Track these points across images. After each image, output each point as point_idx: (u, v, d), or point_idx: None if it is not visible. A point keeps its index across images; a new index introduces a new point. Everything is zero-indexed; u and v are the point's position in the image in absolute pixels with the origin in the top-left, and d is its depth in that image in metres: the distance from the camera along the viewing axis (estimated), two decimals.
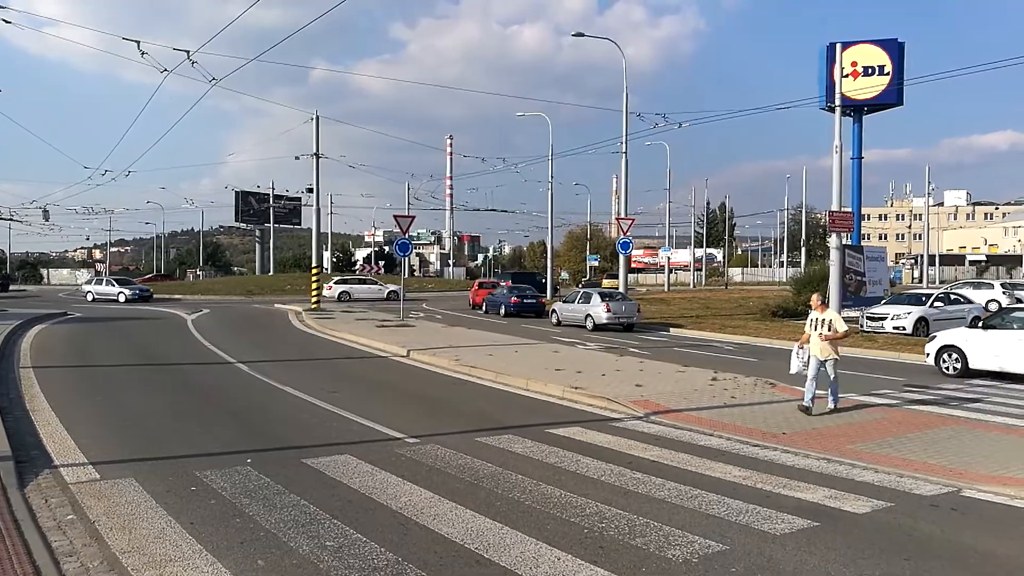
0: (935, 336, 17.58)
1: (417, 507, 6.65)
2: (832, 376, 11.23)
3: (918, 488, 7.51)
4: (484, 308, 37.23)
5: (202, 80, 20.68)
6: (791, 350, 11.73)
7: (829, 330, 11.14)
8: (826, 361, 11.14)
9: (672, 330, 27.73)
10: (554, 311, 31.10)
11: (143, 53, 19.00)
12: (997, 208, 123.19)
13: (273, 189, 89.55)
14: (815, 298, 11.60)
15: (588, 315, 28.03)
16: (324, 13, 16.22)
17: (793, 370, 11.43)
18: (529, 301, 34.80)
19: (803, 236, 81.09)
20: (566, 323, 29.44)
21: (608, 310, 27.23)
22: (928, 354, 17.04)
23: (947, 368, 16.51)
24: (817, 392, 11.20)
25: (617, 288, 23.07)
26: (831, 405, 11.27)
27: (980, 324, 17.26)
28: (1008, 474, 7.81)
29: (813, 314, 11.41)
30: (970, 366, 16.10)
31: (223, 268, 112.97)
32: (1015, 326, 15.75)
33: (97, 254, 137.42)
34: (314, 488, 7.21)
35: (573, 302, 30.01)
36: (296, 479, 7.50)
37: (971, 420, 11.06)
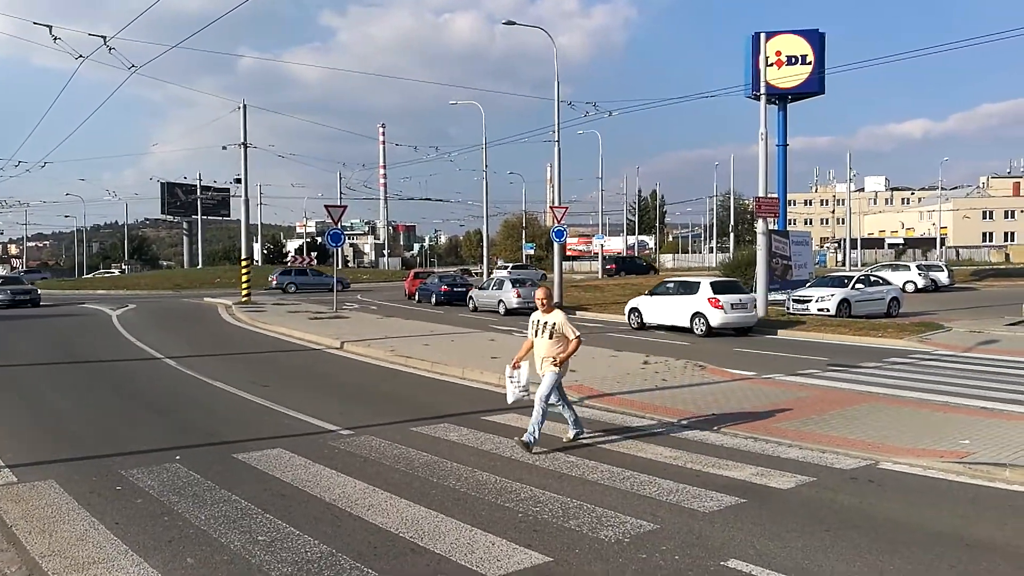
0: (630, 302, 24.32)
1: (351, 498, 6.61)
2: (546, 395, 8.33)
3: (839, 463, 7.81)
4: (417, 298, 37.82)
5: (120, 67, 19.97)
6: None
7: (551, 337, 8.38)
8: (546, 374, 8.39)
9: (578, 312, 28.91)
10: (471, 298, 32.59)
11: (56, 38, 18.22)
12: (913, 193, 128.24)
13: (201, 180, 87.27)
14: (540, 295, 8.65)
15: (500, 300, 29.92)
16: (245, 0, 15.78)
17: (511, 399, 8.62)
18: (459, 289, 35.79)
19: (731, 222, 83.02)
20: (482, 309, 31.10)
21: (518, 296, 29.11)
22: (625, 313, 23.90)
23: (633, 323, 23.40)
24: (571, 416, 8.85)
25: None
26: (571, 433, 8.67)
27: (648, 292, 23.93)
28: (921, 446, 8.19)
29: (536, 315, 8.65)
30: (644, 321, 23.03)
31: (149, 262, 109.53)
32: (663, 293, 22.99)
33: (13, 249, 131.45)
34: (246, 483, 7.09)
35: (488, 289, 31.79)
36: (227, 475, 7.36)
37: (887, 396, 11.54)
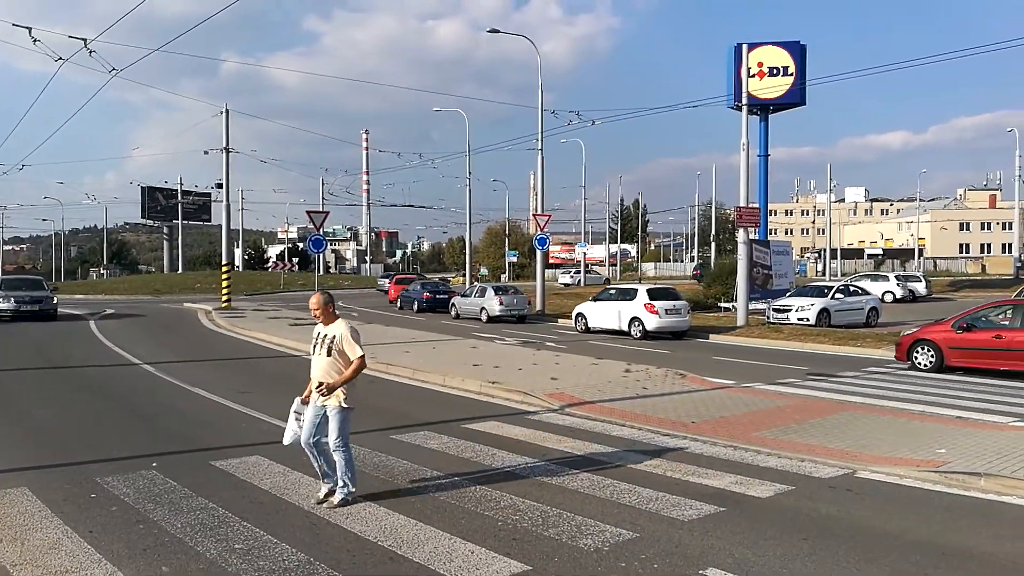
0: (577, 307, 25.95)
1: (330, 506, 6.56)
2: (337, 438, 6.57)
3: (817, 471, 7.86)
4: (399, 304, 37.75)
5: (102, 70, 19.81)
6: (702, 340, 11.99)
7: (329, 355, 6.63)
8: (327, 409, 6.63)
9: (560, 321, 28.96)
10: (453, 305, 32.75)
11: (35, 40, 18.05)
12: (892, 204, 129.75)
13: (182, 184, 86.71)
14: (314, 302, 6.85)
15: (483, 308, 29.96)
16: (233, 2, 15.74)
17: (287, 439, 6.84)
18: (441, 296, 35.85)
19: (713, 231, 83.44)
20: (464, 316, 31.16)
21: (501, 303, 29.36)
22: (572, 318, 25.56)
23: (579, 328, 25.05)
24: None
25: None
26: (323, 490, 6.73)
27: (593, 299, 25.63)
28: (898, 455, 8.26)
29: (317, 328, 6.92)
30: (589, 326, 24.61)
31: (129, 267, 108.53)
32: (606, 299, 24.58)
33: None
34: (223, 490, 7.02)
35: (470, 296, 31.81)
36: (204, 482, 7.29)
37: (865, 405, 11.64)
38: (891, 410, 11.26)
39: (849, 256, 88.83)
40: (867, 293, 29.06)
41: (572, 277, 68.60)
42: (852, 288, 28.84)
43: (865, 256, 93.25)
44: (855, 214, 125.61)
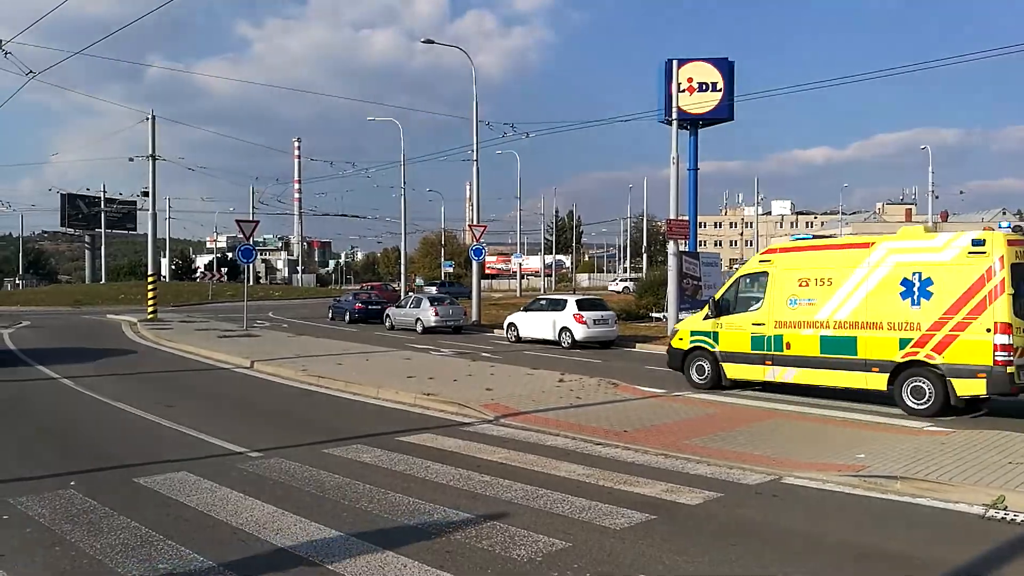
0: (508, 317, 26.58)
1: (260, 522, 6.42)
2: None
3: (745, 478, 8.05)
4: (331, 315, 37.28)
5: (17, 73, 19.06)
6: (628, 349, 12.00)
7: None
8: None
9: (496, 331, 29.01)
10: (388, 316, 32.41)
11: None
12: (816, 217, 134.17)
13: (105, 192, 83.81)
14: None
15: (418, 319, 29.76)
16: (159, 7, 15.30)
17: None
18: (374, 307, 35.48)
19: (645, 243, 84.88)
20: (399, 327, 30.93)
21: (436, 314, 29.24)
22: (504, 328, 26.14)
23: (510, 337, 25.61)
24: None
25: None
26: None
27: (523, 308, 26.29)
28: (821, 461, 8.53)
29: None
30: (521, 335, 25.30)
31: (47, 276, 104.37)
32: (537, 309, 25.17)
33: None
34: (147, 508, 6.80)
35: (405, 307, 31.52)
36: (127, 500, 7.04)
37: (792, 412, 11.98)
38: (817, 417, 11.63)
39: None
40: None
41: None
42: None
43: None
44: (781, 226, 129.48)
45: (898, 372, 11.99)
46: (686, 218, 33.90)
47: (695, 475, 8.16)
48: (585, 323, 23.05)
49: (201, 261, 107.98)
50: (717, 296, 15.00)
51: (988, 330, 11.11)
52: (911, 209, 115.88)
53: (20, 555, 5.65)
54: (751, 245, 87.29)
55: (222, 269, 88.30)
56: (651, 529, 6.35)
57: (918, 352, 11.77)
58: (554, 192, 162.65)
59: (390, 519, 6.57)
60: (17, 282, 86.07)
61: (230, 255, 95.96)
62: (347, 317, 35.42)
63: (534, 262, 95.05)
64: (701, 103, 37.26)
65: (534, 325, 24.87)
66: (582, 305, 23.73)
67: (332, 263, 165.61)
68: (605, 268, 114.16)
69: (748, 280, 14.63)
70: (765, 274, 13.97)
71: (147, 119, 34.79)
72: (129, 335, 27.38)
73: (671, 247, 25.88)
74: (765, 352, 13.66)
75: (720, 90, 37.73)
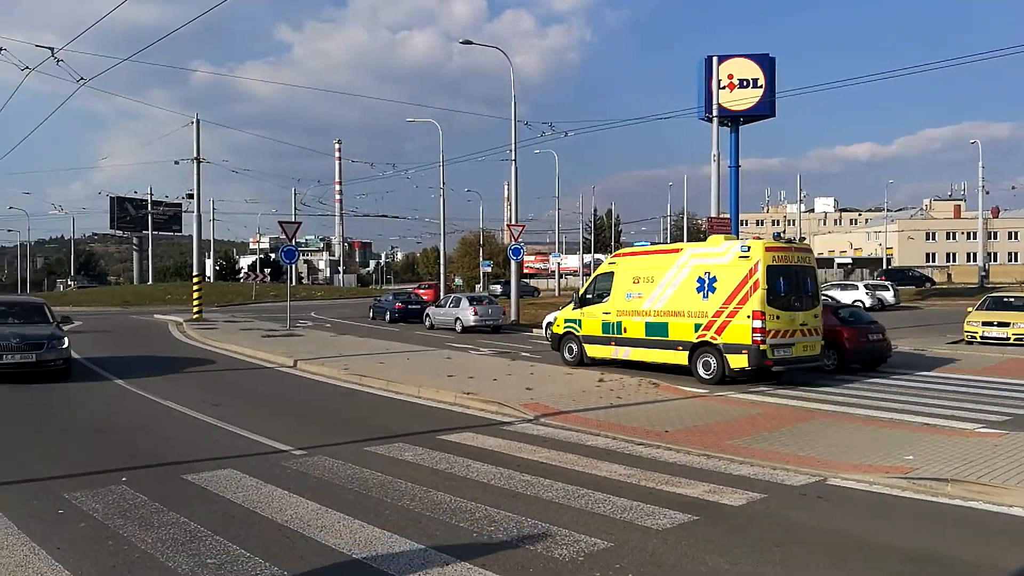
0: (547, 317, 26.18)
1: (304, 519, 6.51)
2: None
3: (789, 479, 7.95)
4: (372, 315, 37.72)
5: (69, 79, 19.58)
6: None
7: None
8: None
9: (535, 331, 28.86)
10: (427, 315, 32.74)
11: (1, 49, 17.80)
12: (860, 214, 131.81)
13: (151, 195, 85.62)
14: None
15: (457, 318, 29.92)
16: (204, 13, 15.67)
17: None
18: (413, 307, 36.02)
19: (685, 241, 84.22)
20: (438, 326, 31.16)
21: (476, 314, 29.37)
22: (543, 327, 25.90)
23: (549, 336, 22.29)
24: None
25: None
26: None
27: (562, 308, 22.67)
28: (868, 462, 8.38)
29: None
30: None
31: (97, 278, 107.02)
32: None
33: None
34: (195, 504, 6.94)
35: (445, 307, 31.73)
36: (175, 496, 7.20)
37: (836, 413, 11.79)
38: (861, 418, 11.43)
39: (819, 265, 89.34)
40: (836, 301, 29.41)
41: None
42: (822, 297, 29.17)
43: (835, 265, 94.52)
44: (824, 224, 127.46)
45: (694, 350, 15.33)
46: (728, 216, 33.61)
47: (738, 476, 8.08)
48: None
49: (245, 262, 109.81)
50: (581, 291, 18.90)
51: (748, 316, 14.39)
52: (960, 205, 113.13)
53: (76, 549, 5.81)
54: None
55: (265, 270, 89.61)
56: (694, 530, 6.30)
57: (706, 335, 15.14)
58: (592, 191, 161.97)
59: (432, 517, 6.61)
60: (69, 283, 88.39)
61: (273, 256, 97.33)
62: (387, 316, 36.01)
63: (573, 261, 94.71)
64: (742, 100, 36.80)
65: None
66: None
67: (372, 263, 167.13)
68: None
69: (601, 279, 18.20)
70: (611, 274, 17.66)
71: (192, 123, 35.49)
72: (176, 335, 27.95)
73: None
74: (611, 335, 17.33)
75: (761, 86, 37.23)
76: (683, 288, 15.74)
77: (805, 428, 10.42)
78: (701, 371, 15.11)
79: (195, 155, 35.26)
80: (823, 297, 29.32)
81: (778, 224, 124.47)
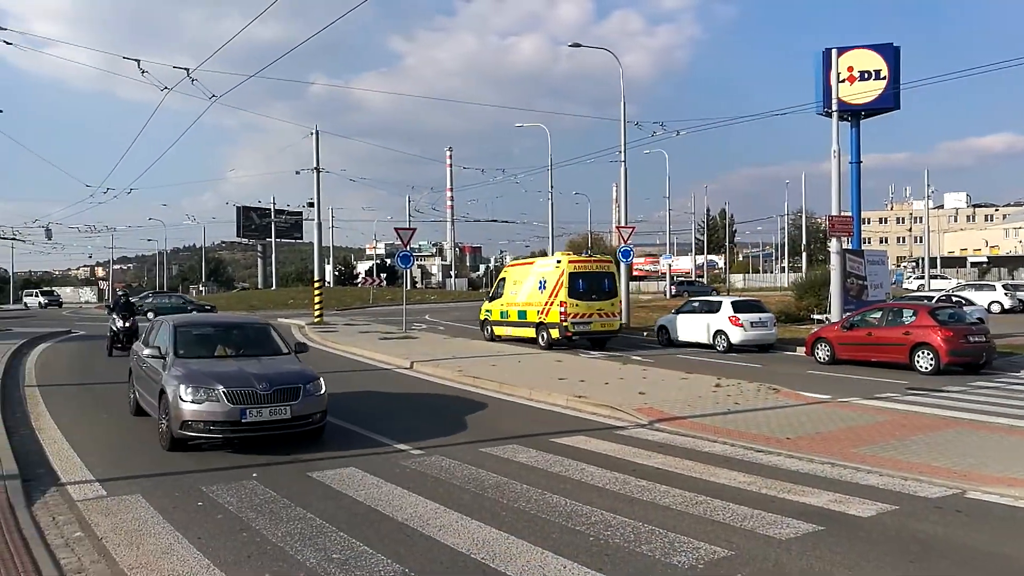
0: (659, 320, 26.14)
1: (423, 518, 6.67)
2: None
3: (923, 490, 7.52)
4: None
5: (201, 97, 20.85)
6: (790, 353, 11.64)
7: None
8: None
9: (646, 334, 28.15)
10: None
11: (143, 71, 19.13)
12: (997, 210, 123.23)
13: (274, 204, 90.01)
14: None
15: None
16: (322, 29, 16.33)
17: None
18: None
19: (804, 241, 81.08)
20: None
21: None
22: (655, 331, 25.72)
23: (661, 340, 24.87)
24: None
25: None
26: None
27: (675, 311, 25.53)
28: (1012, 475, 7.82)
29: None
30: (672, 338, 24.43)
31: (225, 283, 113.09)
32: (689, 312, 24.40)
33: (100, 272, 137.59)
34: (320, 501, 7.23)
35: None
36: (302, 492, 7.53)
37: (974, 422, 11.06)
38: (1003, 427, 10.67)
39: (950, 265, 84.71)
40: (971, 303, 27.66)
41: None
42: (955, 299, 27.50)
43: (968, 265, 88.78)
44: (955, 221, 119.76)
45: (538, 327, 23.47)
46: (849, 214, 32.11)
47: (866, 485, 7.71)
48: (741, 325, 22.14)
49: (362, 267, 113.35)
50: (491, 290, 27.98)
51: (558, 305, 22.37)
52: None
53: (214, 539, 6.16)
54: (920, 242, 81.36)
55: (382, 274, 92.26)
56: (820, 541, 6.05)
57: (542, 318, 23.24)
58: (705, 190, 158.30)
59: (548, 520, 6.63)
60: (201, 289, 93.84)
61: (389, 261, 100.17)
62: None
63: (684, 263, 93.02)
64: (863, 93, 35.15)
65: (686, 328, 24.15)
66: (738, 307, 22.85)
67: (482, 267, 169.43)
68: (761, 268, 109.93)
69: (499, 283, 27.14)
70: (504, 279, 26.70)
71: (311, 134, 37.07)
72: (299, 338, 29.17)
73: (833, 245, 24.62)
74: (504, 320, 25.64)
75: (884, 78, 35.45)
76: (532, 288, 24.07)
77: (940, 437, 9.83)
78: (540, 341, 23.28)
79: (315, 165, 36.81)
80: (956, 297, 27.67)
81: (903, 222, 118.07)
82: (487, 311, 26.73)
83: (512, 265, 27.71)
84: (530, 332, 23.71)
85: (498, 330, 25.91)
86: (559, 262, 23.31)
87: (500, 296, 26.06)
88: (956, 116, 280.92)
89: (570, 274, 22.48)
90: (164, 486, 7.79)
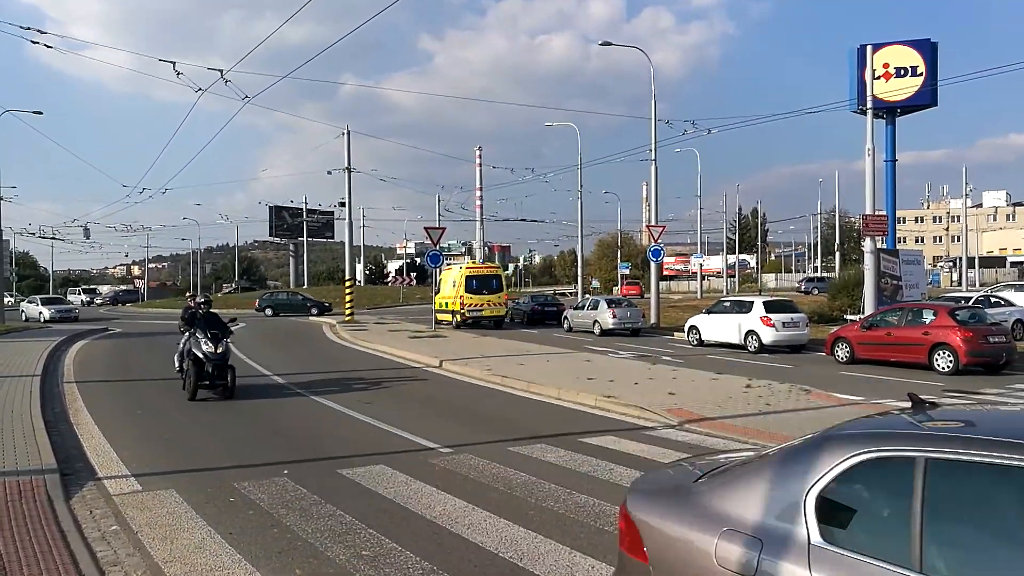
0: (689, 320, 25.89)
1: (451, 516, 6.70)
2: None
3: None
4: (510, 317, 38.44)
5: (234, 98, 21.24)
6: (822, 354, 11.50)
7: None
8: None
9: (676, 334, 27.92)
10: (566, 317, 32.84)
11: (179, 73, 19.42)
12: None
13: (306, 203, 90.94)
14: None
15: (596, 320, 29.70)
16: (353, 30, 16.50)
17: None
18: (549, 309, 37.23)
19: (837, 240, 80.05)
20: (576, 329, 31.12)
21: (614, 316, 29.12)
22: (685, 331, 25.64)
23: (692, 341, 24.84)
24: None
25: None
26: None
27: (706, 311, 25.21)
28: None
29: None
30: (703, 338, 24.38)
31: (258, 282, 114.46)
32: (720, 312, 24.20)
33: (136, 270, 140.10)
34: (350, 498, 7.30)
35: (583, 309, 31.67)
36: (332, 489, 7.60)
37: None
38: None
39: (989, 265, 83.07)
40: (1010, 304, 27.07)
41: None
42: (993, 299, 26.94)
43: (1008, 264, 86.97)
44: (995, 220, 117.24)
45: (453, 315, 32.78)
46: (884, 213, 31.57)
47: None
48: (773, 326, 21.92)
49: (392, 266, 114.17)
50: (440, 286, 34.68)
51: (459, 297, 32.58)
52: None
53: (246, 534, 6.25)
54: (957, 241, 79.79)
55: (411, 273, 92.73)
56: None
57: (454, 308, 32.72)
58: (736, 189, 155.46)
59: (576, 520, 6.62)
60: (233, 286, 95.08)
61: (419, 260, 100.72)
62: (524, 319, 36.93)
63: (715, 262, 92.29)
64: (899, 90, 34.65)
65: (717, 328, 24.02)
66: (770, 307, 22.59)
67: (511, 266, 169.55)
68: (794, 268, 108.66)
69: (439, 282, 34.59)
70: (442, 279, 34.54)
71: (343, 134, 37.33)
72: (329, 336, 29.47)
73: (868, 244, 24.26)
74: (441, 309, 33.75)
75: (921, 74, 34.90)
76: (450, 285, 33.48)
77: None
78: (453, 322, 32.53)
79: (346, 165, 37.07)
80: (995, 298, 27.15)
81: (939, 221, 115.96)
82: (441, 302, 34.28)
83: (447, 268, 35.97)
84: (452, 318, 32.84)
85: (442, 317, 33.59)
86: (460, 268, 34.67)
87: (439, 292, 34.46)
88: (996, 112, 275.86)
89: (466, 276, 32.85)
90: (197, 481, 7.91)
